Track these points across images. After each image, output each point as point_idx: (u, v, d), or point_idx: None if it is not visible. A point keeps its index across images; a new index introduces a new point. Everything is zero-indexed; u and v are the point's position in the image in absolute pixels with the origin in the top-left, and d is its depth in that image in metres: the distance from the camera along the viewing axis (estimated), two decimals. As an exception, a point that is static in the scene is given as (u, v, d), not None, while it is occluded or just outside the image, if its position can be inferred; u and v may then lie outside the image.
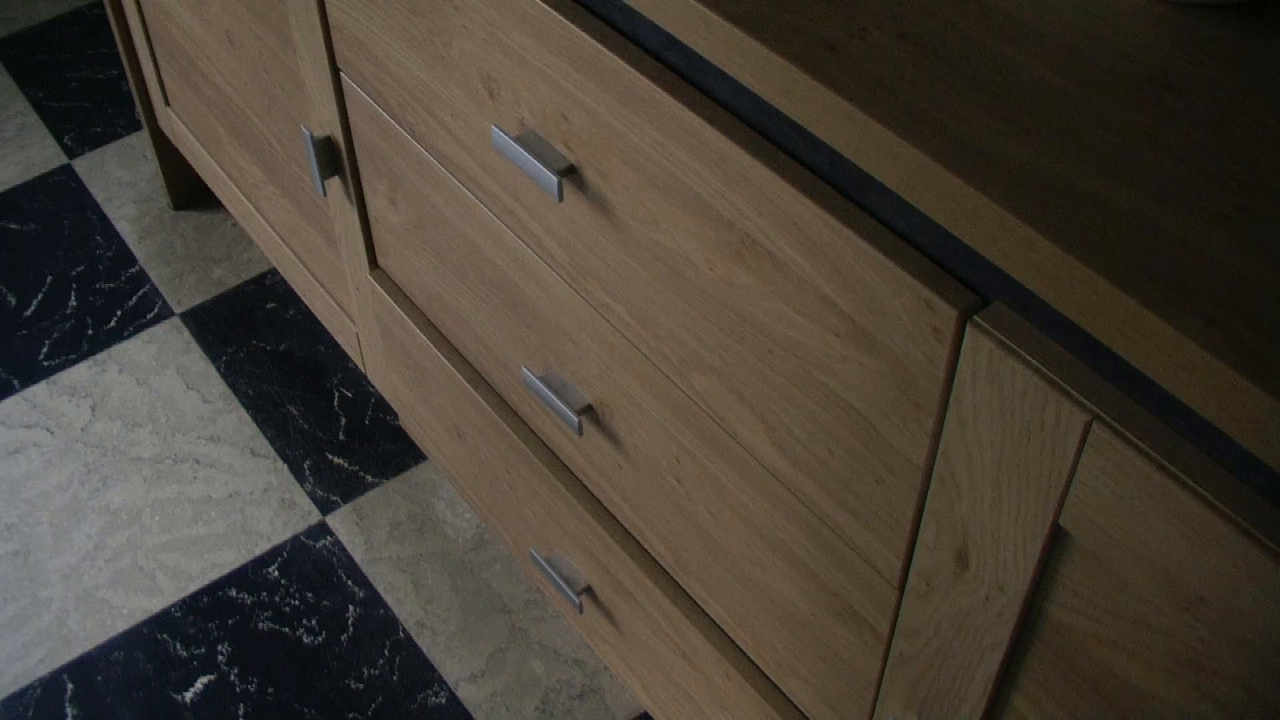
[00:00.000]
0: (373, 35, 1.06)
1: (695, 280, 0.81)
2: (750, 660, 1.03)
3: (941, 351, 0.64)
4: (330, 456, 1.67)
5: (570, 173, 0.87)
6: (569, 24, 0.79)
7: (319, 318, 1.61)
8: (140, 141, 2.06)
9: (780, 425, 0.81)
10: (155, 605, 1.55)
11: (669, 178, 0.78)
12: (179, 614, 1.54)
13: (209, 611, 1.53)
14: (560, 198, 0.87)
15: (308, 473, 1.65)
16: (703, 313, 0.82)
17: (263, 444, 1.69)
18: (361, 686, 1.45)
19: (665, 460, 0.97)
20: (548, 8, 0.80)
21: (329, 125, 1.24)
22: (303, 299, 1.76)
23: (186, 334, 1.83)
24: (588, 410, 1.05)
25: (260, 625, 1.52)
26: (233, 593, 1.55)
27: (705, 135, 0.73)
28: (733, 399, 0.84)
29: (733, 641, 1.04)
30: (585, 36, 0.78)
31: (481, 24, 0.89)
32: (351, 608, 1.51)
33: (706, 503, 0.95)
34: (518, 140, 0.89)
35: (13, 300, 1.89)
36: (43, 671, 1.49)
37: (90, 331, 1.85)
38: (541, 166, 0.86)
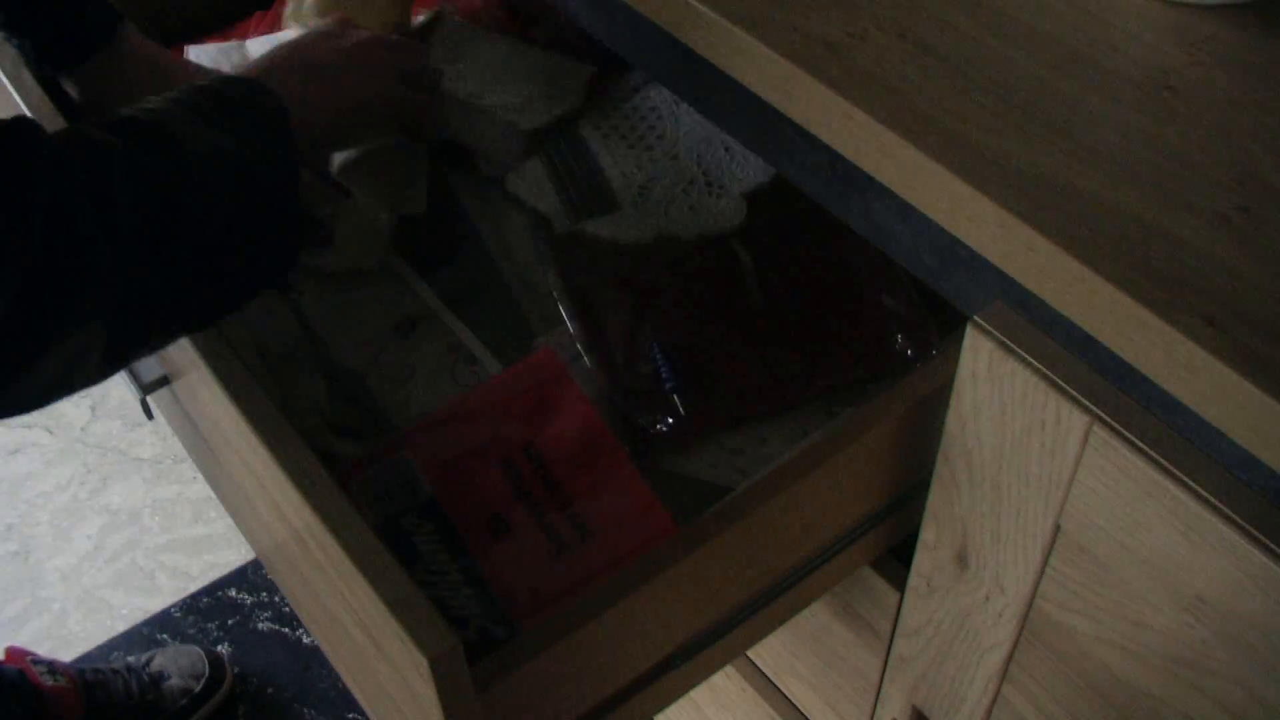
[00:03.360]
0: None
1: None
2: (750, 660, 1.03)
3: (430, 689, 0.56)
4: (330, 456, 1.67)
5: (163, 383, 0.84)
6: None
7: (319, 318, 1.61)
8: (140, 141, 2.06)
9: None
10: (155, 605, 1.55)
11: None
12: (179, 614, 1.54)
13: (209, 611, 1.53)
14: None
15: (308, 473, 1.65)
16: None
17: (263, 444, 1.69)
18: (361, 686, 1.45)
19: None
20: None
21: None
22: (303, 299, 1.76)
23: (186, 334, 1.83)
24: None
25: (260, 625, 1.52)
26: (233, 593, 1.55)
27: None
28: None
29: (733, 641, 1.04)
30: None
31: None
32: (351, 608, 1.51)
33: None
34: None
35: (13, 300, 1.89)
36: (42, 671, 1.49)
37: (90, 331, 1.85)
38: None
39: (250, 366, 0.68)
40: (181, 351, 0.70)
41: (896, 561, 0.80)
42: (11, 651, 1.34)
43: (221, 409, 0.68)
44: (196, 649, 1.44)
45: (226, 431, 0.71)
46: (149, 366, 0.83)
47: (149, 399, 0.88)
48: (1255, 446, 0.50)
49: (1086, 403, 0.58)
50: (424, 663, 0.54)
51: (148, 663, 1.42)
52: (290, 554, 0.73)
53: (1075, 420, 0.58)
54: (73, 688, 1.33)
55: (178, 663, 1.42)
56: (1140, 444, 0.56)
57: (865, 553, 0.78)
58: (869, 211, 0.68)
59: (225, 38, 0.98)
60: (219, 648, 1.49)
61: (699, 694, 1.13)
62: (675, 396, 0.76)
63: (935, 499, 0.71)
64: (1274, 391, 0.48)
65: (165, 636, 1.51)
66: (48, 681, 1.31)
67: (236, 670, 1.46)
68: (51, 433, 1.74)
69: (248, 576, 1.56)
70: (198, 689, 1.40)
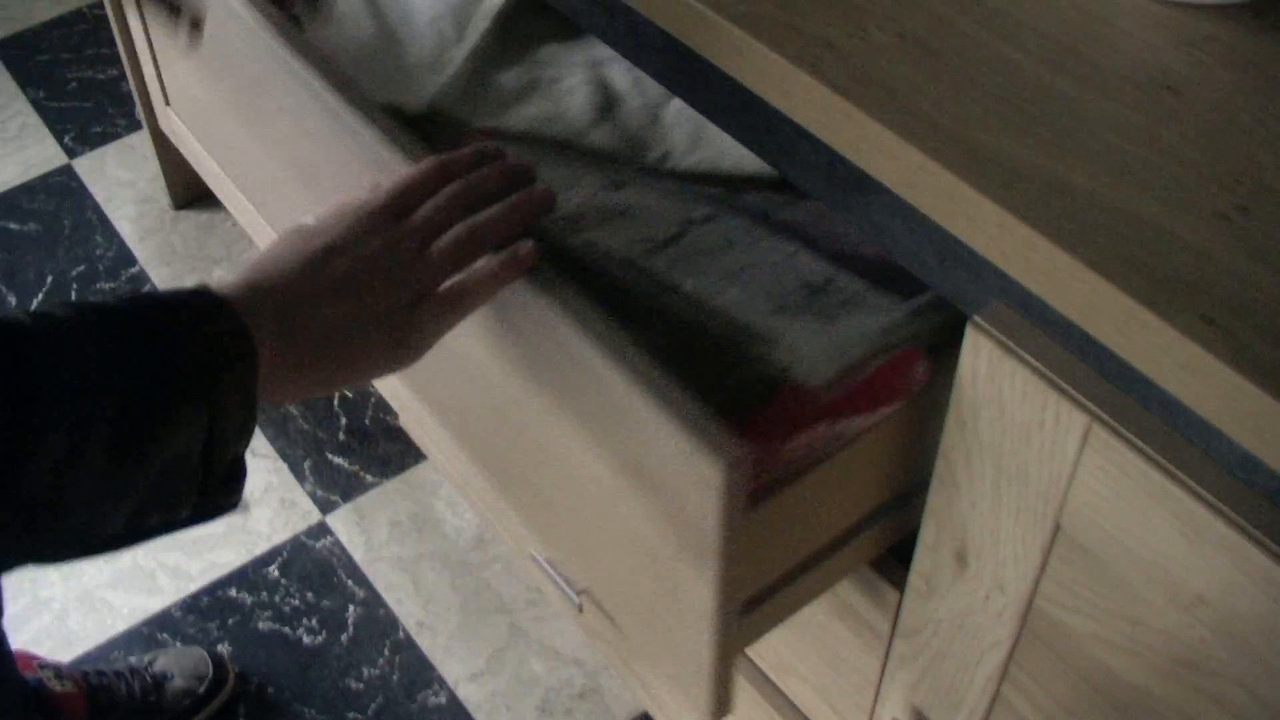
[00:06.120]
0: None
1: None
2: (750, 660, 1.03)
3: (713, 501, 0.59)
4: (330, 456, 1.67)
5: None
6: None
7: (319, 318, 1.60)
8: (140, 141, 2.06)
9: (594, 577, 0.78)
10: (155, 605, 1.55)
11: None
12: (179, 614, 1.54)
13: (209, 611, 1.53)
14: None
15: (308, 472, 1.65)
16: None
17: (263, 443, 1.69)
18: (361, 686, 1.45)
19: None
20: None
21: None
22: (303, 299, 1.76)
23: (186, 334, 1.83)
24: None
25: (260, 625, 1.52)
26: (233, 592, 1.55)
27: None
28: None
29: (733, 641, 1.04)
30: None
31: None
32: (351, 607, 1.51)
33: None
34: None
35: (13, 300, 1.89)
36: (43, 671, 1.49)
37: (90, 331, 1.84)
38: None
39: None
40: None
41: (896, 561, 0.80)
42: (18, 656, 1.34)
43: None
44: (200, 650, 1.44)
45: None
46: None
47: None
48: (1255, 446, 0.50)
49: (1086, 403, 0.58)
50: (719, 473, 0.56)
51: (150, 664, 1.42)
52: (513, 408, 0.73)
53: (1075, 420, 0.58)
54: (79, 692, 1.33)
55: (180, 664, 1.42)
56: (1140, 444, 0.56)
57: (865, 553, 0.78)
58: (869, 211, 0.68)
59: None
60: (219, 648, 1.49)
61: (699, 694, 1.13)
62: None
63: (935, 499, 0.71)
64: (1274, 391, 0.48)
65: (165, 636, 1.51)
66: (55, 687, 1.31)
67: (236, 670, 1.46)
68: (52, 433, 1.74)
69: (248, 576, 1.56)
70: (201, 690, 1.40)
